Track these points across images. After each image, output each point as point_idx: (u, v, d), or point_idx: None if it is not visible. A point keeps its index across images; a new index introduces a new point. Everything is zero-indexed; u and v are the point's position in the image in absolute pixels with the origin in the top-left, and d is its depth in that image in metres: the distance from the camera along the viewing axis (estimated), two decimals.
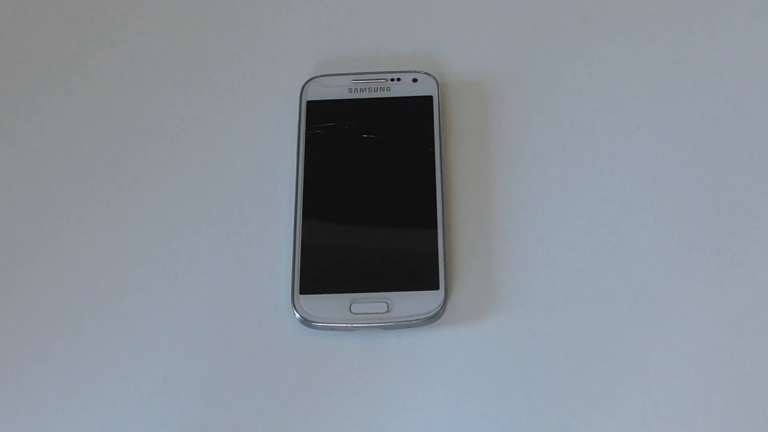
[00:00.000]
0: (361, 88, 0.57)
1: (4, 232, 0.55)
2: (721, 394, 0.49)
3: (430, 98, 0.56)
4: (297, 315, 0.51)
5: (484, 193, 0.55)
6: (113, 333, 0.52)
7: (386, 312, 0.50)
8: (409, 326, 0.50)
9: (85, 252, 0.54)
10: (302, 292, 0.51)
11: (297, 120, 0.56)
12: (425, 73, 0.57)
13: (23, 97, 0.59)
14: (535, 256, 0.53)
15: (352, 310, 0.50)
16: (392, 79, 0.57)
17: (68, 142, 0.57)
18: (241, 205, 0.55)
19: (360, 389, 0.50)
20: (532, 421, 0.49)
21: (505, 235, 0.53)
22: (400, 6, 0.61)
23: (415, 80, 0.57)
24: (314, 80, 0.57)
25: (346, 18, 0.61)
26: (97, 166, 0.56)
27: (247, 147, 0.57)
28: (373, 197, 0.54)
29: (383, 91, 0.57)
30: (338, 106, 0.57)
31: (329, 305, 0.51)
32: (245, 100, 0.58)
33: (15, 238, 0.55)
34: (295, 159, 0.55)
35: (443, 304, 0.51)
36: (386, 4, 0.61)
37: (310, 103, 0.57)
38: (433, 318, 0.50)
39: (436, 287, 0.51)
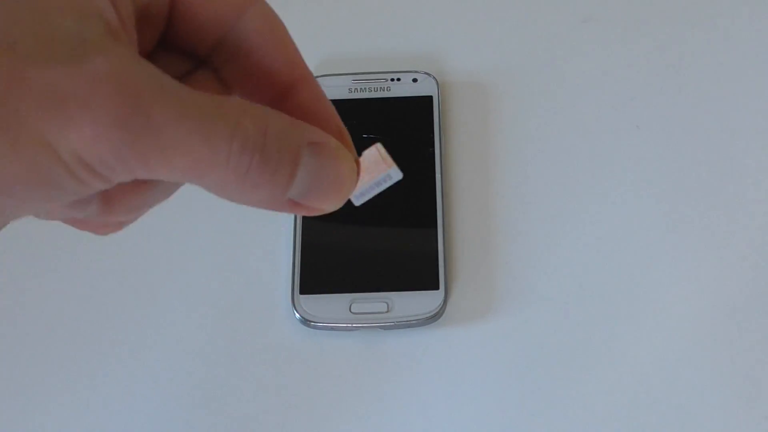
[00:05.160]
0: (361, 88, 0.57)
1: (4, 231, 0.55)
2: (721, 393, 0.49)
3: (430, 98, 0.56)
4: (297, 315, 0.51)
5: (484, 193, 0.55)
6: (112, 332, 0.52)
7: (386, 312, 0.50)
8: (409, 326, 0.50)
9: (84, 252, 0.54)
10: (302, 292, 0.51)
11: None
12: (425, 73, 0.57)
13: None
14: (535, 256, 0.53)
15: (352, 310, 0.50)
16: (392, 79, 0.57)
17: None
18: (241, 205, 0.55)
19: (360, 389, 0.50)
20: (532, 420, 0.49)
21: (505, 235, 0.53)
22: (400, 6, 0.61)
23: (415, 80, 0.57)
24: None
25: (346, 18, 0.61)
26: None
27: None
28: (373, 197, 0.54)
29: (383, 91, 0.57)
30: (338, 106, 0.56)
31: (329, 305, 0.51)
32: None
33: (15, 237, 0.55)
34: None
35: (443, 304, 0.50)
36: (386, 4, 0.61)
37: None
38: (433, 318, 0.50)
39: (436, 287, 0.51)
